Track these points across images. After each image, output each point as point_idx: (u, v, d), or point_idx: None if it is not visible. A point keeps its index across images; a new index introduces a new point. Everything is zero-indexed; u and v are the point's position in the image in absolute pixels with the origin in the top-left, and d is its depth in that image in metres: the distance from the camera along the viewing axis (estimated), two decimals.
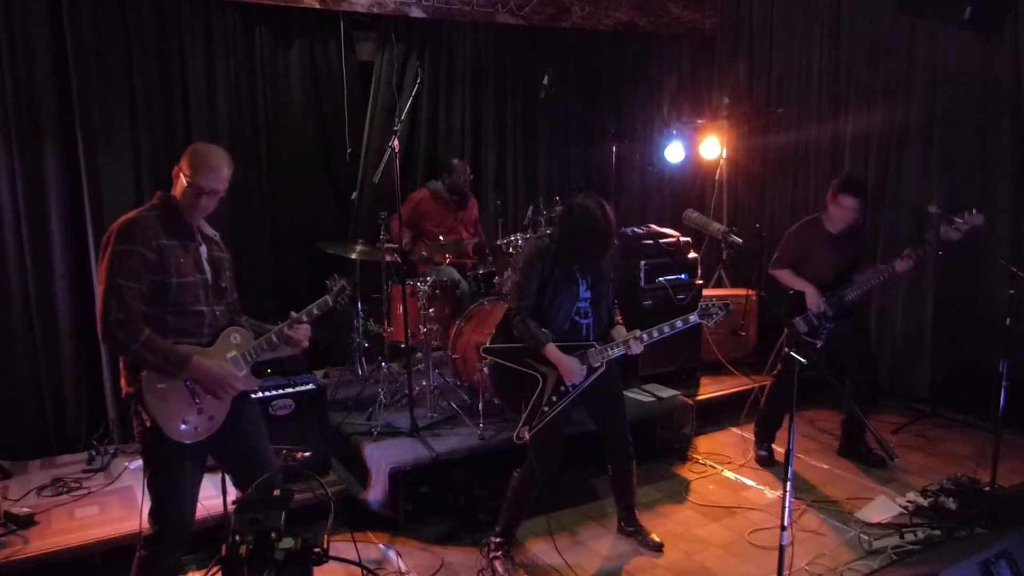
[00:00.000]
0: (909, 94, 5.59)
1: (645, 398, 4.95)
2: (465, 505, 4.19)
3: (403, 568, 3.64)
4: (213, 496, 3.36)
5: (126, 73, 4.65)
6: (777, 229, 6.12)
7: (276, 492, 2.13)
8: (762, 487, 4.46)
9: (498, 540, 3.60)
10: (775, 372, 4.73)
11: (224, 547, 1.94)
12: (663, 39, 6.87)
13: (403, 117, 4.73)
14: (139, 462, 3.15)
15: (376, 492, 3.96)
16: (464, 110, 6.01)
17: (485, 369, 4.04)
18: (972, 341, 5.30)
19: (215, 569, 1.96)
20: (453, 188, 5.39)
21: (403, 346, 4.60)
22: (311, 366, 4.68)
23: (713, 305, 3.42)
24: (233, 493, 2.92)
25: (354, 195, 5.61)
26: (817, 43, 6.21)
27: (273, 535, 1.94)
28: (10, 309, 4.40)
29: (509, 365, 3.51)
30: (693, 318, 3.45)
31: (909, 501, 4.09)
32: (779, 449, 4.77)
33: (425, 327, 4.61)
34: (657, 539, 3.79)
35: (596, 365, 3.48)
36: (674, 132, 6.58)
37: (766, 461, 4.73)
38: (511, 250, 4.78)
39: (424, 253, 5.04)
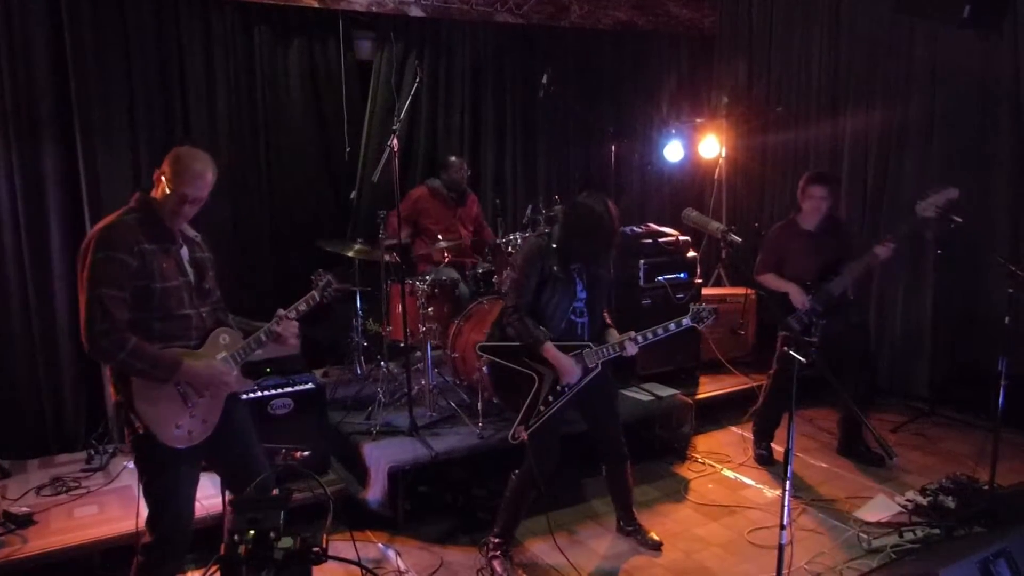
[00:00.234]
0: (908, 94, 5.59)
1: (644, 397, 4.95)
2: (464, 504, 4.19)
3: (402, 567, 3.64)
4: (212, 495, 3.35)
5: (125, 73, 4.65)
6: None
7: (274, 492, 2.13)
8: (761, 486, 4.46)
9: (497, 540, 3.60)
10: (770, 371, 4.73)
11: (223, 546, 1.94)
12: (662, 38, 6.87)
13: (402, 116, 4.73)
14: None
15: (375, 491, 3.96)
16: (463, 109, 6.01)
17: (484, 368, 4.03)
18: (971, 340, 5.31)
19: (214, 568, 1.95)
20: (451, 185, 5.39)
21: (402, 345, 4.61)
22: (310, 365, 4.68)
23: (704, 310, 3.49)
24: (226, 495, 2.91)
25: (353, 194, 5.61)
26: (816, 43, 6.21)
27: (272, 534, 1.93)
28: (9, 309, 4.40)
29: (505, 364, 3.51)
30: (686, 321, 3.48)
31: (908, 500, 4.09)
32: (778, 448, 4.78)
33: (424, 326, 4.60)
34: (656, 538, 3.79)
35: (592, 365, 3.48)
36: (673, 131, 6.58)
37: (765, 460, 4.73)
38: (510, 249, 4.79)
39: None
